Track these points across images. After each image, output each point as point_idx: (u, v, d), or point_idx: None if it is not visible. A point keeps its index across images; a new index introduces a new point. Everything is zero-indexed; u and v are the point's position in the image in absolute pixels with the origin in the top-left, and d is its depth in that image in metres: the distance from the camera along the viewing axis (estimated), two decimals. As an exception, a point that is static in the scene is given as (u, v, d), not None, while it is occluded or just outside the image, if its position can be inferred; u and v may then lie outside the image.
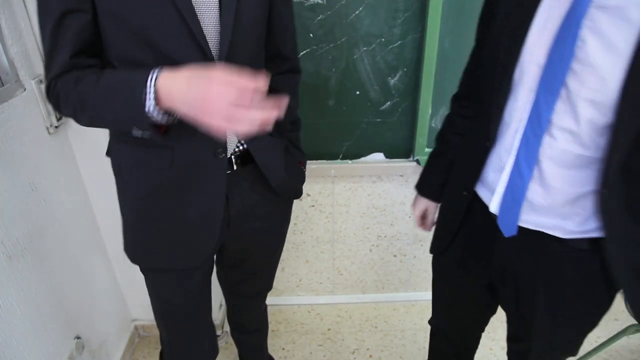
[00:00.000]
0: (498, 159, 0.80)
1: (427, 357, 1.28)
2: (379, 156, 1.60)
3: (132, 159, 0.86)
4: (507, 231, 0.81)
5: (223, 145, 0.85)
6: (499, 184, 0.80)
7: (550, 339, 0.88)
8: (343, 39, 1.38)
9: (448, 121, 1.02)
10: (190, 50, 0.75)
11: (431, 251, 1.06)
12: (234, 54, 0.79)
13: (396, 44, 1.40)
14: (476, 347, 1.18)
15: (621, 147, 0.65)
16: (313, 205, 1.71)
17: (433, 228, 1.07)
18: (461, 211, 0.91)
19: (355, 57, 1.41)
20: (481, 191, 0.87)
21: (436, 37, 1.36)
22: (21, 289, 1.06)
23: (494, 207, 0.82)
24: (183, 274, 0.98)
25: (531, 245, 0.81)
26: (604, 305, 0.83)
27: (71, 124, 1.26)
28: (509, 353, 1.04)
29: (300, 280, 1.91)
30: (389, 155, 1.61)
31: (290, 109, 0.99)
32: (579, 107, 0.66)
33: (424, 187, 1.08)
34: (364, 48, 1.40)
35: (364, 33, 1.38)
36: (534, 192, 0.76)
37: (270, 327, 1.81)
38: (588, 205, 0.74)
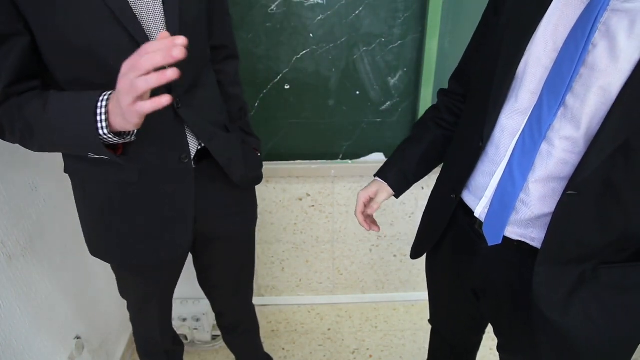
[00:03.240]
0: (489, 162, 0.76)
1: (427, 356, 1.28)
2: (379, 156, 1.60)
3: (96, 176, 0.85)
4: (492, 239, 0.77)
5: (186, 150, 0.86)
6: (487, 188, 0.76)
7: (533, 353, 0.83)
8: (343, 39, 1.38)
9: (433, 108, 0.97)
10: None
11: (412, 256, 1.03)
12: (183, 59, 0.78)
13: (396, 44, 1.40)
14: (476, 350, 1.17)
15: (602, 154, 0.61)
16: (313, 205, 1.71)
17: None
18: (447, 215, 0.87)
19: (355, 57, 1.41)
20: (467, 196, 0.83)
21: (436, 37, 1.36)
22: (21, 289, 1.06)
23: (479, 212, 0.79)
24: (155, 270, 1.02)
25: (510, 259, 0.78)
26: None
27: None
28: None
29: (300, 280, 1.91)
30: (389, 155, 1.60)
31: (235, 97, 1.02)
32: (582, 113, 0.63)
33: (382, 171, 0.99)
34: (364, 48, 1.40)
35: (364, 33, 1.38)
36: (523, 200, 0.72)
37: (270, 327, 1.81)
38: None
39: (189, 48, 0.78)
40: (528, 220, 0.73)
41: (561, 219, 0.67)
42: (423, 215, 1.01)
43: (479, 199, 0.79)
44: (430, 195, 0.98)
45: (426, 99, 1.46)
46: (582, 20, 0.61)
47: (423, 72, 1.41)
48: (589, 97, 0.61)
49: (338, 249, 1.83)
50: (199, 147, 0.90)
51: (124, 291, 1.12)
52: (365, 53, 1.41)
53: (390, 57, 1.42)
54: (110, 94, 0.65)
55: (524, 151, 0.69)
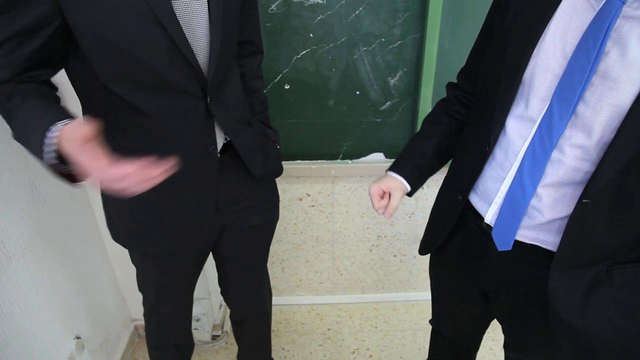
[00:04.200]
0: (499, 168, 0.75)
1: (427, 356, 1.28)
2: (379, 156, 1.60)
3: None
4: (502, 245, 0.76)
5: (213, 142, 0.88)
6: (497, 194, 0.76)
7: (544, 354, 0.84)
8: (343, 39, 1.38)
9: (443, 101, 0.96)
10: (178, 65, 0.75)
11: (420, 252, 1.03)
12: (221, 56, 0.79)
13: (396, 44, 1.40)
14: (477, 349, 1.18)
15: (616, 164, 0.60)
16: (313, 205, 1.71)
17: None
18: (453, 215, 0.86)
19: (355, 57, 1.41)
20: (475, 200, 0.82)
21: (436, 37, 1.36)
22: (21, 289, 1.06)
23: (489, 218, 0.78)
24: (175, 258, 1.02)
25: (523, 259, 0.78)
26: None
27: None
28: None
29: (300, 280, 1.91)
30: (389, 155, 1.60)
31: (258, 91, 1.04)
32: (594, 122, 0.61)
33: (396, 166, 0.94)
34: (364, 48, 1.40)
35: (364, 33, 1.38)
36: (535, 206, 0.71)
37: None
38: None
39: (226, 44, 0.80)
40: (541, 225, 0.72)
41: (576, 226, 0.67)
42: (431, 214, 1.01)
43: (489, 204, 0.78)
44: (438, 194, 0.98)
45: (426, 99, 1.46)
46: (593, 27, 0.59)
47: (423, 72, 1.41)
48: (602, 106, 0.60)
49: (338, 249, 1.83)
50: (225, 141, 0.92)
51: (142, 284, 1.13)
52: (365, 53, 1.41)
53: (390, 57, 1.42)
54: (66, 123, 0.65)
55: (535, 159, 0.68)
